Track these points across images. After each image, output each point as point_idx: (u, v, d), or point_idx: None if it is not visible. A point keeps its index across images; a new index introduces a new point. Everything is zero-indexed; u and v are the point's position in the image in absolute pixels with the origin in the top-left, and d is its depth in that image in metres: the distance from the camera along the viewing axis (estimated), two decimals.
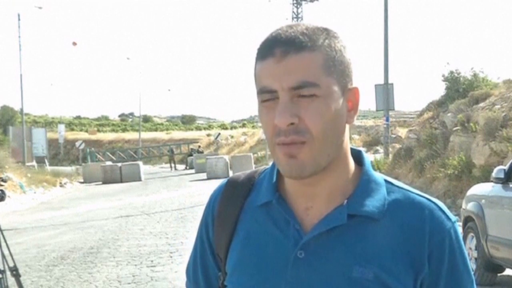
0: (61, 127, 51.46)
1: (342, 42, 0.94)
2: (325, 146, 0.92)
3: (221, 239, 1.06)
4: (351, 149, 1.01)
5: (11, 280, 7.19)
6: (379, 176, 1.01)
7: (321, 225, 0.95)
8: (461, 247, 0.98)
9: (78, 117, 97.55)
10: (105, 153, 43.96)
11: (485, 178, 9.38)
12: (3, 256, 3.79)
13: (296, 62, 0.89)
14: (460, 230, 0.98)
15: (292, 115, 0.89)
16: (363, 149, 1.06)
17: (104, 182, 27.25)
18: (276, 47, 0.90)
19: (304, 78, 0.89)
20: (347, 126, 0.96)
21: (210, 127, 77.22)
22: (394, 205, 0.97)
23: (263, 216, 1.01)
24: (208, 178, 25.64)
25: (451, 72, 18.34)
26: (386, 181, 1.00)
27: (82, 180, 29.15)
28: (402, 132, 27.83)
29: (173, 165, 39.66)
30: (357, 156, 1.02)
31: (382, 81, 20.51)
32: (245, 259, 1.01)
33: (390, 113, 21.45)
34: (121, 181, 27.29)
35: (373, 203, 0.96)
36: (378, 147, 30.12)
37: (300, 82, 0.89)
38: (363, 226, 0.95)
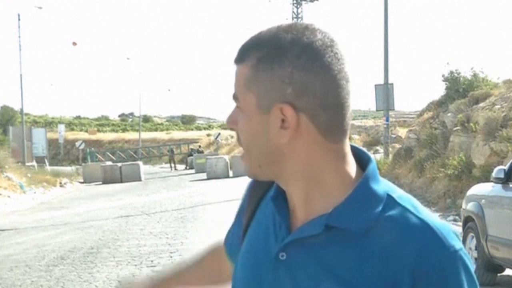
0: (61, 127, 51.41)
1: (282, 57, 0.87)
2: (256, 159, 0.93)
3: (244, 225, 1.07)
4: (360, 153, 0.96)
5: (10, 280, 7.20)
6: (382, 189, 0.91)
7: (299, 231, 0.92)
8: (460, 282, 0.85)
9: (78, 117, 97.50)
10: (105, 153, 43.98)
11: (485, 178, 9.38)
12: None
13: (235, 73, 0.93)
14: (467, 260, 0.88)
15: (231, 121, 0.94)
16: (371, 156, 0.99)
17: (104, 182, 27.23)
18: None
19: (234, 90, 0.93)
20: (293, 143, 0.89)
21: (210, 127, 77.20)
22: (384, 223, 0.87)
23: (270, 209, 1.00)
24: (208, 178, 25.64)
25: (451, 72, 18.36)
26: (389, 195, 0.91)
27: (82, 180, 29.13)
28: (402, 132, 27.86)
29: (173, 165, 39.65)
30: (364, 162, 0.95)
31: (382, 81, 20.54)
32: (245, 250, 1.01)
33: (390, 113, 21.47)
34: (121, 181, 27.27)
35: (358, 217, 0.88)
36: (378, 147, 30.18)
37: (233, 93, 0.93)
38: (341, 240, 0.88)
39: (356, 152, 0.96)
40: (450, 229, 0.88)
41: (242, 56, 0.91)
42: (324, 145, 0.89)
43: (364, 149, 0.99)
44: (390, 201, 0.90)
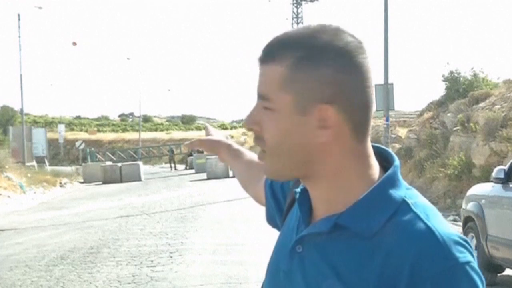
0: (61, 127, 51.37)
1: (321, 58, 0.88)
2: (282, 160, 0.92)
3: (287, 204, 1.11)
4: (386, 155, 0.98)
5: (10, 280, 7.20)
6: (398, 194, 0.91)
7: (312, 226, 0.95)
8: None
9: (78, 117, 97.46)
10: (105, 153, 43.93)
11: (485, 178, 9.39)
12: None
13: (261, 73, 0.92)
14: (474, 275, 0.85)
15: (252, 122, 0.93)
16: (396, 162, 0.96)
17: (104, 182, 27.25)
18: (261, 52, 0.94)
19: (260, 90, 0.92)
20: (333, 144, 0.90)
21: None
22: (391, 227, 0.87)
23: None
24: (208, 178, 25.65)
25: (451, 72, 18.39)
26: (404, 201, 0.90)
27: (82, 180, 29.15)
28: (402, 132, 27.79)
29: (173, 165, 39.69)
30: (388, 164, 0.96)
31: (382, 81, 20.53)
32: (279, 238, 1.06)
33: (390, 113, 21.39)
34: (121, 181, 27.28)
35: (368, 220, 0.89)
36: None
37: (258, 93, 0.92)
38: (348, 240, 0.90)
39: (381, 153, 0.98)
40: (458, 241, 0.86)
41: (273, 55, 0.91)
42: (352, 146, 0.91)
43: (390, 151, 1.00)
44: (404, 206, 0.89)
